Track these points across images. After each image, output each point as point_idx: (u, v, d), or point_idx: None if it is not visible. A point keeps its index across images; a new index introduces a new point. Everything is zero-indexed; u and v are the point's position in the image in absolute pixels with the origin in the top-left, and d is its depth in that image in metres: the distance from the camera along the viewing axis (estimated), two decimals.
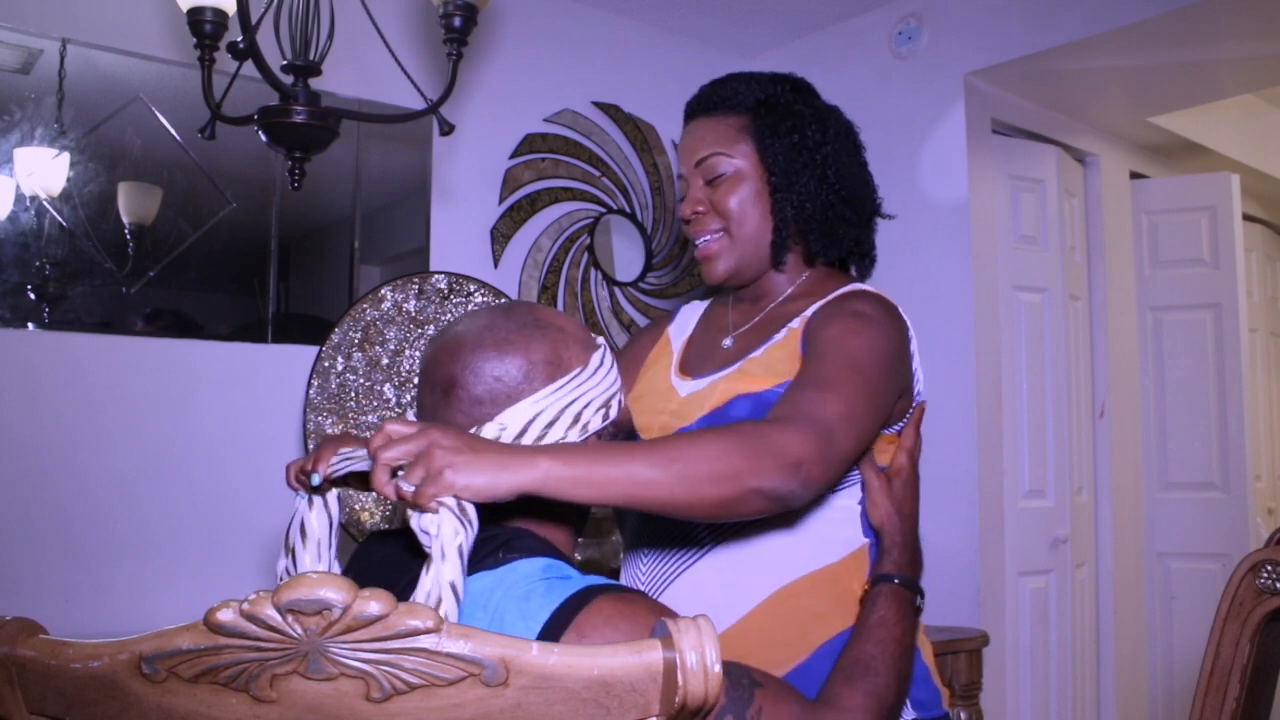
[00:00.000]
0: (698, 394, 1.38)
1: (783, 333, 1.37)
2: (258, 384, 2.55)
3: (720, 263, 1.42)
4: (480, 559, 0.97)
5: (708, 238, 1.42)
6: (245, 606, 0.64)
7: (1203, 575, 3.59)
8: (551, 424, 1.05)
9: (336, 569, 1.26)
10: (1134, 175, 3.78)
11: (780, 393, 1.26)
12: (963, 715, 2.39)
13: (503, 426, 1.03)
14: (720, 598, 1.28)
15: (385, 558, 1.10)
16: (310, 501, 1.11)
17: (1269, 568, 1.16)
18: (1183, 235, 3.76)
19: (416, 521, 0.90)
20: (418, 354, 2.51)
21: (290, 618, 0.64)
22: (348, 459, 1.04)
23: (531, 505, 1.03)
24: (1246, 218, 4.02)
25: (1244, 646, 1.14)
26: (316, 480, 1.05)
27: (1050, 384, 3.29)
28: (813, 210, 1.40)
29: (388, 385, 2.47)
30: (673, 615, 0.82)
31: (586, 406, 1.08)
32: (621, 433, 1.15)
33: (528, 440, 1.04)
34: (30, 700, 0.71)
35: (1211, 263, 3.72)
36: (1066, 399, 3.31)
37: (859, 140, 1.47)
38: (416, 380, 1.14)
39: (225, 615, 0.64)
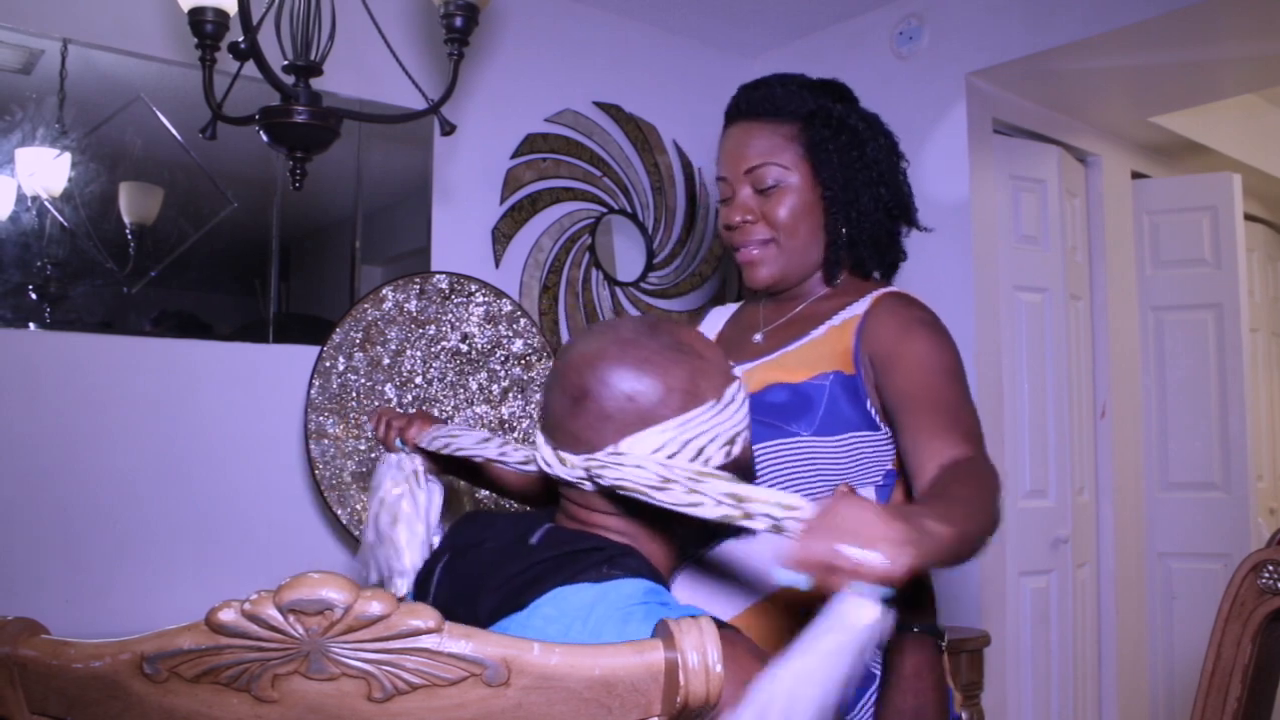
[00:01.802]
0: None
1: (821, 330, 1.40)
2: (259, 384, 2.55)
3: (765, 269, 1.44)
4: (582, 570, 0.96)
5: (755, 247, 1.43)
6: (247, 606, 0.64)
7: (1204, 575, 3.58)
8: (672, 456, 1.02)
9: (424, 545, 1.29)
10: (1135, 175, 3.78)
11: (818, 384, 1.31)
12: (964, 715, 2.39)
13: (621, 454, 1.01)
14: (720, 591, 1.29)
15: (495, 553, 1.07)
16: (411, 477, 1.19)
17: (1270, 568, 1.16)
18: (1184, 235, 3.76)
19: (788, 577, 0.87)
20: (419, 354, 2.51)
21: (292, 618, 0.64)
22: (451, 439, 1.17)
23: (638, 515, 1.04)
24: (1248, 217, 4.02)
25: (1245, 646, 1.14)
26: (403, 448, 1.14)
27: (1051, 384, 3.28)
28: (868, 226, 1.43)
29: (389, 385, 2.47)
30: (767, 657, 0.82)
31: (711, 441, 1.05)
32: (744, 469, 1.11)
33: None
34: (32, 700, 0.71)
35: (1213, 262, 3.72)
36: (1067, 399, 3.31)
37: (900, 150, 1.49)
38: (542, 384, 1.16)
39: (227, 615, 0.64)
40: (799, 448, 1.31)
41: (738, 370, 1.40)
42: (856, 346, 1.34)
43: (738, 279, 3.51)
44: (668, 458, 1.01)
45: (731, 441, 1.07)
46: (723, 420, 1.06)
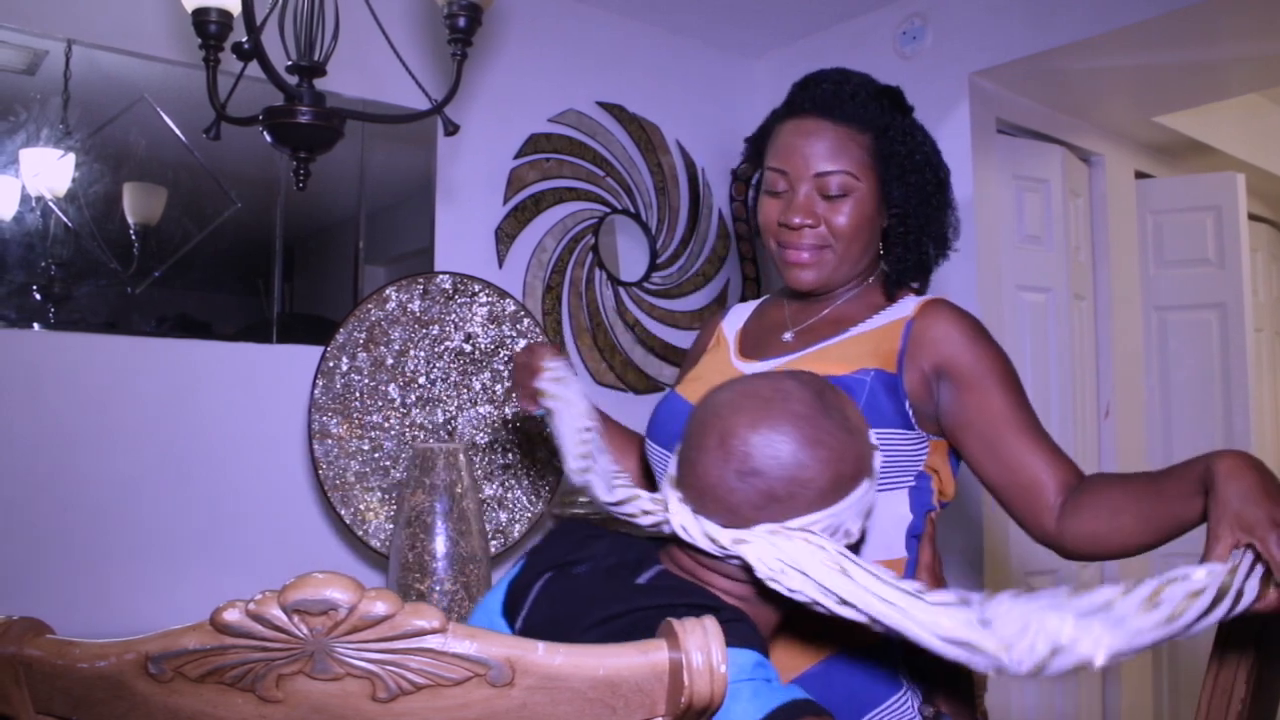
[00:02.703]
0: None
1: (859, 329, 1.41)
2: (262, 384, 2.55)
3: (814, 274, 1.43)
4: None
5: (807, 251, 1.42)
6: (251, 607, 0.64)
7: None
8: (824, 533, 1.00)
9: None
10: (1139, 175, 3.78)
11: (859, 379, 1.32)
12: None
13: (774, 532, 0.98)
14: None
15: (598, 582, 1.04)
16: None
17: None
18: (1188, 235, 3.75)
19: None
20: (422, 354, 2.51)
21: (296, 618, 0.64)
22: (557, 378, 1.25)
23: (757, 581, 1.00)
24: (1252, 217, 4.01)
25: (1249, 647, 1.14)
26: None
27: (1055, 384, 3.28)
28: (933, 246, 1.46)
29: (392, 385, 2.48)
30: None
31: (855, 517, 1.03)
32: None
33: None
34: (37, 700, 0.71)
35: (1217, 262, 3.71)
36: (1071, 399, 3.31)
37: (948, 172, 1.49)
38: (684, 431, 1.07)
39: (231, 615, 0.64)
40: None
41: (770, 364, 1.43)
42: (903, 349, 1.35)
43: (744, 279, 3.51)
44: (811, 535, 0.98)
45: (868, 514, 1.06)
46: (869, 495, 1.05)
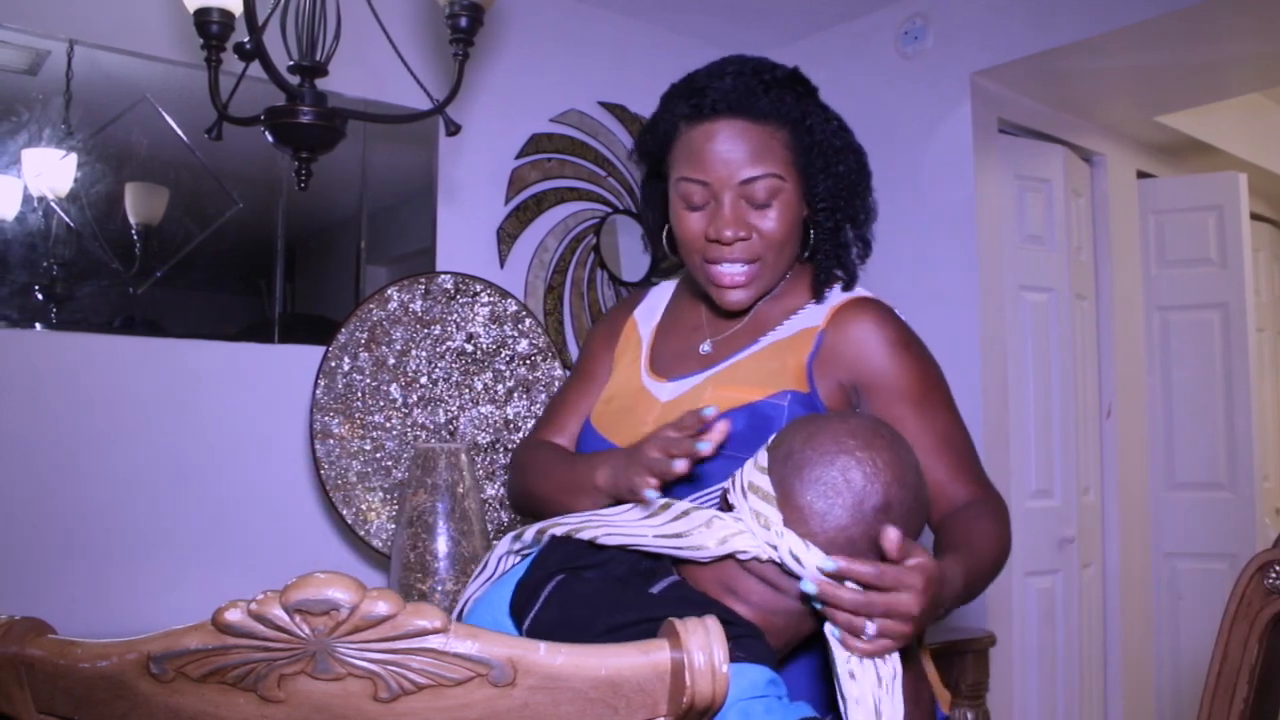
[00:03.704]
0: (679, 402, 1.34)
1: (770, 338, 1.34)
2: (264, 384, 2.55)
3: (746, 293, 1.34)
4: None
5: (740, 268, 1.31)
6: (253, 606, 0.64)
7: (1210, 575, 3.58)
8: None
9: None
10: (1141, 174, 3.77)
11: (776, 404, 1.26)
12: (969, 715, 2.39)
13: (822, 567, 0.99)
14: None
15: (612, 587, 1.03)
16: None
17: (1277, 568, 1.16)
18: (1190, 235, 3.75)
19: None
20: (424, 354, 2.51)
21: (298, 618, 0.64)
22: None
23: (780, 600, 1.03)
24: (1254, 217, 4.01)
25: (1252, 647, 1.14)
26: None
27: (1057, 384, 3.28)
28: (847, 246, 1.36)
29: (394, 385, 2.48)
30: None
31: None
32: None
33: None
34: (39, 700, 0.71)
35: (1219, 262, 3.71)
36: (1073, 399, 3.31)
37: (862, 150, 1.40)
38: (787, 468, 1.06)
39: (233, 615, 0.64)
40: None
41: (687, 384, 1.35)
42: (811, 362, 1.29)
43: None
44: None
45: None
46: None
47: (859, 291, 1.38)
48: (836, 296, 1.36)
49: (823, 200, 1.33)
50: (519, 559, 1.13)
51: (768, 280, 1.35)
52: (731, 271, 1.32)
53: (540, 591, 1.04)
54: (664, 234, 1.46)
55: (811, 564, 0.98)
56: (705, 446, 1.09)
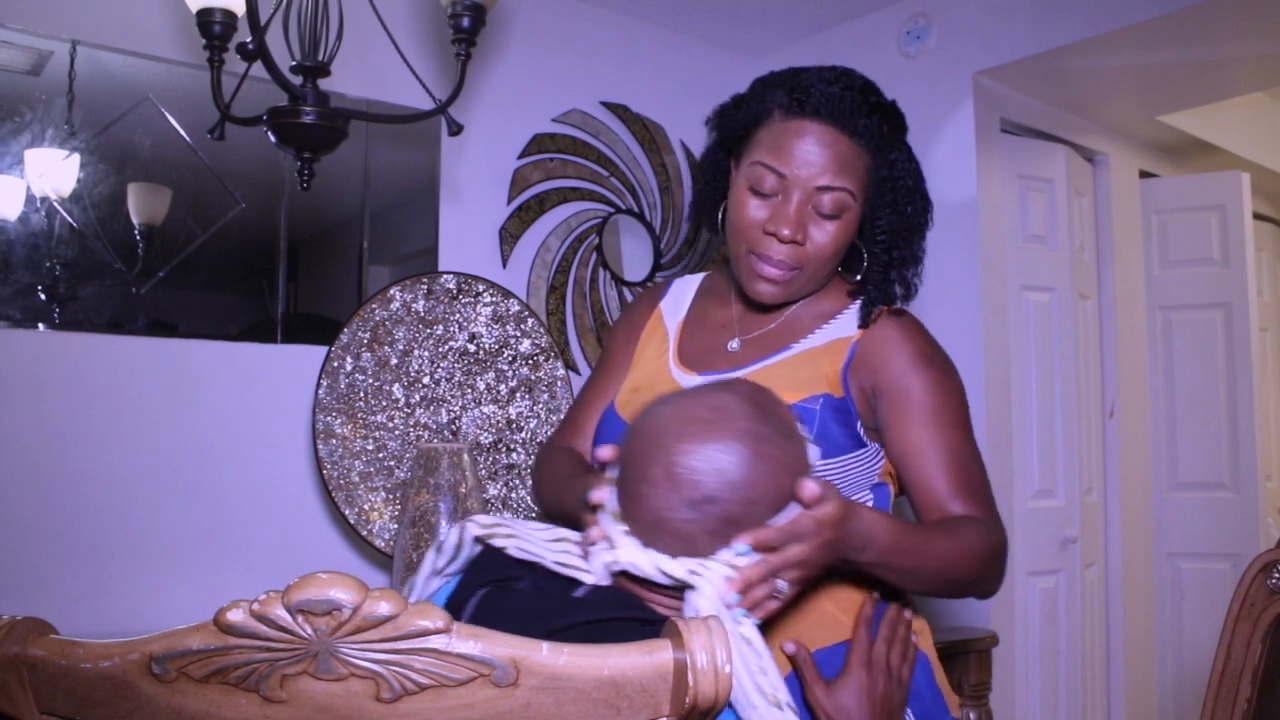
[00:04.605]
0: None
1: (804, 344, 1.35)
2: (267, 384, 2.55)
3: (779, 290, 1.34)
4: (628, 637, 0.94)
5: (782, 268, 1.31)
6: (255, 607, 0.64)
7: (1213, 576, 3.57)
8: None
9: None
10: (1143, 174, 3.77)
11: (809, 407, 1.27)
12: (972, 716, 2.39)
13: (739, 554, 0.98)
14: None
15: (536, 597, 1.01)
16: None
17: None
18: (1192, 234, 3.75)
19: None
20: (426, 354, 2.51)
21: (300, 618, 0.64)
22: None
23: None
24: (1257, 216, 4.00)
25: (1255, 647, 1.14)
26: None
27: (1059, 384, 3.28)
28: (913, 279, 1.39)
29: (396, 385, 2.48)
30: None
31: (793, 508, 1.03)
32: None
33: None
34: (40, 700, 0.71)
35: (1221, 262, 3.71)
36: (1075, 399, 3.31)
37: (931, 205, 1.40)
38: (621, 460, 1.04)
39: (235, 615, 0.64)
40: None
41: (711, 380, 1.33)
42: (846, 370, 1.30)
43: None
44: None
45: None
46: None
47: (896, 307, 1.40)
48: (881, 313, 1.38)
49: (882, 234, 1.34)
50: (444, 581, 1.12)
51: (800, 288, 1.35)
52: (772, 269, 1.32)
53: (465, 607, 1.03)
54: (719, 210, 1.44)
55: (651, 567, 0.98)
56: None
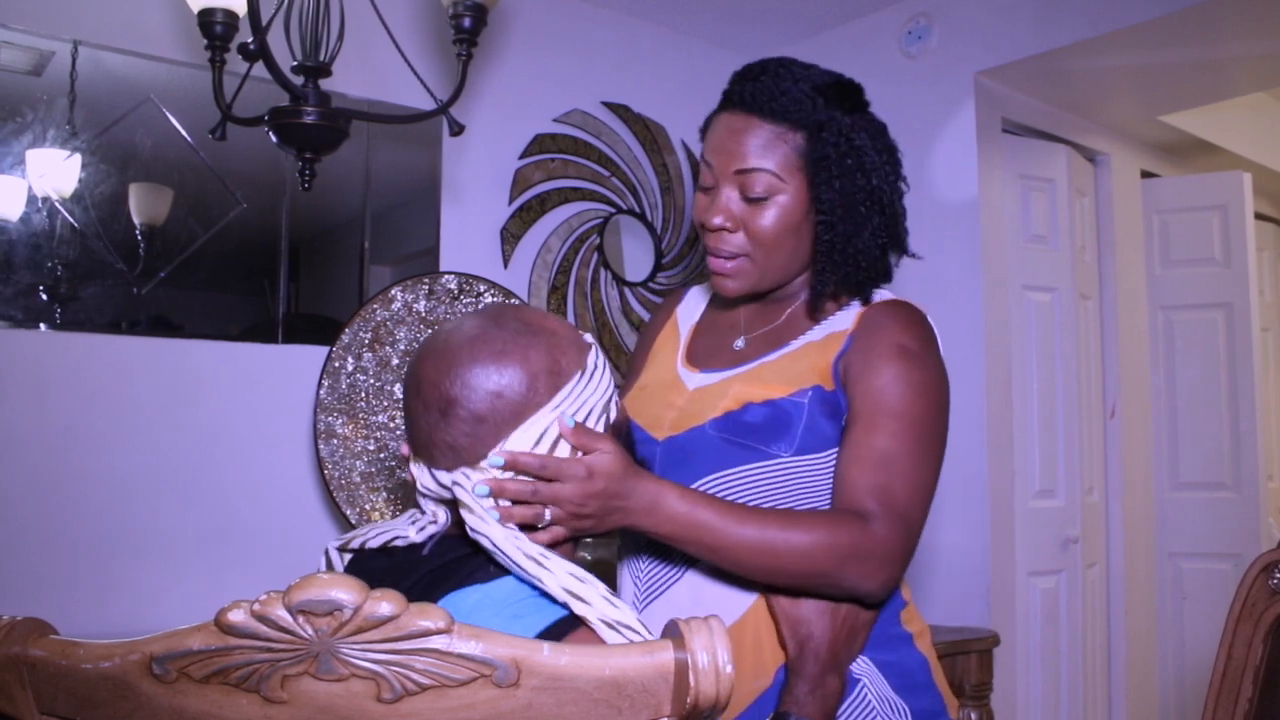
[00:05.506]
0: (707, 390, 1.35)
1: (800, 342, 1.35)
2: (268, 384, 2.55)
3: (734, 283, 1.34)
4: (470, 573, 0.97)
5: (728, 260, 1.33)
6: (256, 607, 0.64)
7: (1214, 576, 3.57)
8: (557, 440, 1.02)
9: None
10: (1145, 174, 3.77)
11: (797, 401, 1.26)
12: (973, 715, 2.39)
13: (492, 465, 1.01)
14: (716, 601, 1.28)
15: (394, 565, 1.06)
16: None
17: None
18: (1194, 234, 3.75)
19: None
20: None
21: (301, 618, 0.64)
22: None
23: None
24: (1258, 216, 4.00)
25: (1257, 647, 1.14)
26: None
27: (1061, 384, 3.28)
28: (862, 260, 1.32)
29: (398, 385, 2.48)
30: None
31: (589, 415, 1.05)
32: (621, 434, 1.11)
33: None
34: (41, 700, 0.71)
35: (1223, 262, 3.71)
36: (1077, 399, 3.30)
37: (902, 172, 1.38)
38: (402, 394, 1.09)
39: (236, 616, 0.64)
40: (780, 469, 1.26)
41: (716, 376, 1.37)
42: (838, 361, 1.29)
43: None
44: (552, 443, 1.02)
45: (606, 408, 1.07)
46: (592, 390, 1.06)
47: (892, 295, 1.38)
48: (872, 299, 1.36)
49: (822, 212, 1.31)
50: None
51: (758, 277, 1.34)
52: (719, 260, 1.34)
53: None
54: None
55: (429, 480, 1.04)
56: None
